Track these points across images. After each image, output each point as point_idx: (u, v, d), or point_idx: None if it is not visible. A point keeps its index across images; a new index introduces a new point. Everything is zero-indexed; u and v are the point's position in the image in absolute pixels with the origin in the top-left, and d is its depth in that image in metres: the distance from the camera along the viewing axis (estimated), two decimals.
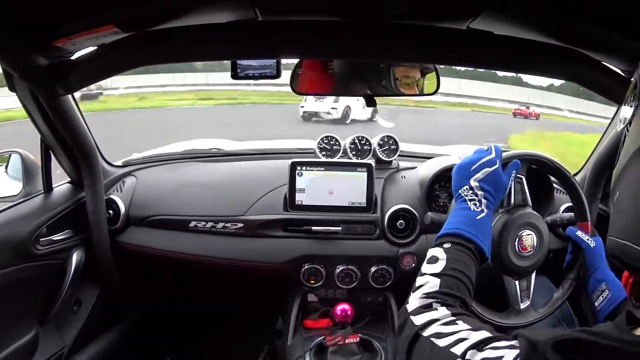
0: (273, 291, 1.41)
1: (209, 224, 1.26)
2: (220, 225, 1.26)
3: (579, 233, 1.00)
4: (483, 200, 0.78)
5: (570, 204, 1.20)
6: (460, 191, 0.80)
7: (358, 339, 1.16)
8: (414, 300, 0.67)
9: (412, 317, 0.64)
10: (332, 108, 10.77)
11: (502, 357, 0.51)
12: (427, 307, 0.64)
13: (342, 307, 1.16)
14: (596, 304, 0.93)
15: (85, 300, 1.31)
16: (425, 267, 0.71)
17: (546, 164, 0.99)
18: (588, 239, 0.98)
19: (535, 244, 0.94)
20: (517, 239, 0.92)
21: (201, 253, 1.27)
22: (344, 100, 10.89)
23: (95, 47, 0.84)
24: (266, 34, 0.79)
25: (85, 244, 1.25)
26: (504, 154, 0.88)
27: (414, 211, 1.26)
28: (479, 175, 0.80)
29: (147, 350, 1.55)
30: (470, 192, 0.79)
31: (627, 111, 0.53)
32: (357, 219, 1.26)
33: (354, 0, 0.73)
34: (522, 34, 0.77)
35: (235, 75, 1.03)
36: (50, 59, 0.84)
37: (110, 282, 1.34)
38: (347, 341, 1.15)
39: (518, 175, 0.97)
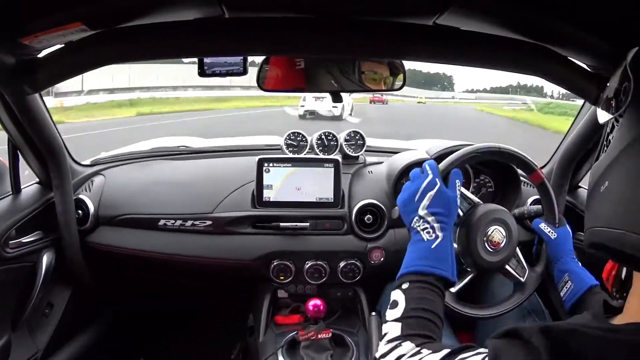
0: (243, 288, 1.41)
1: (178, 222, 1.26)
2: (189, 223, 1.26)
3: (542, 225, 1.01)
4: (435, 225, 0.77)
5: (537, 196, 1.22)
6: (412, 224, 0.79)
7: (330, 334, 1.16)
8: (382, 347, 0.68)
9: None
10: (333, 107, 11.41)
11: None
12: (393, 348, 0.66)
13: (314, 303, 1.17)
14: (561, 294, 0.95)
15: (57, 302, 1.30)
16: (388, 314, 0.72)
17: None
18: (550, 232, 1.00)
19: (504, 239, 0.95)
20: (486, 235, 0.93)
21: (171, 251, 1.27)
22: (345, 100, 11.69)
23: (63, 45, 0.83)
24: (232, 31, 0.79)
25: (56, 245, 1.24)
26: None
27: (382, 206, 1.28)
28: (424, 202, 0.79)
29: (121, 351, 1.54)
30: (421, 221, 0.77)
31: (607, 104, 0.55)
32: (325, 215, 1.27)
33: None
34: (489, 29, 0.78)
35: (202, 73, 1.04)
36: (16, 56, 0.83)
37: (81, 283, 1.33)
38: (319, 336, 1.15)
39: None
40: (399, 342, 0.66)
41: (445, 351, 0.58)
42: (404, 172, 1.30)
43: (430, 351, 0.61)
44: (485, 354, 0.53)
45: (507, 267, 0.98)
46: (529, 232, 1.21)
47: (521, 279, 0.99)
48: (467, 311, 0.95)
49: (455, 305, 0.93)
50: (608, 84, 0.59)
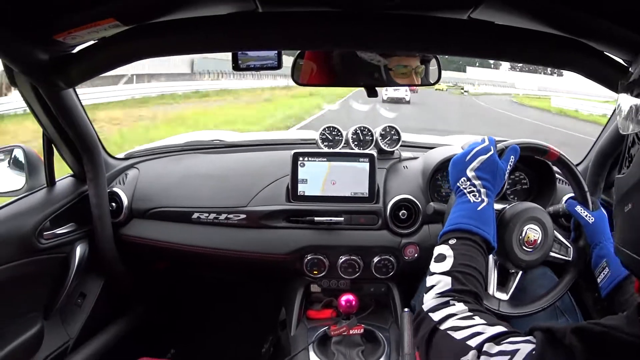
0: (276, 282, 1.41)
1: (212, 216, 1.26)
2: (223, 216, 1.26)
3: (578, 208, 0.99)
4: (482, 190, 0.78)
5: (572, 194, 1.21)
6: (458, 184, 0.80)
7: (362, 330, 1.17)
8: (429, 300, 0.67)
9: (430, 314, 0.65)
10: (405, 94, 17.84)
11: (518, 350, 0.51)
12: (444, 304, 0.65)
13: (347, 298, 1.17)
14: (598, 279, 0.93)
15: (89, 293, 1.32)
16: (434, 266, 0.71)
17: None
18: (587, 215, 0.97)
19: (540, 238, 0.93)
20: (522, 234, 0.92)
21: (204, 245, 1.27)
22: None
23: (96, 41, 0.84)
24: (266, 25, 0.79)
25: (89, 237, 1.25)
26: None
27: (416, 201, 1.26)
28: (474, 164, 0.80)
29: (152, 342, 1.56)
30: (468, 183, 0.79)
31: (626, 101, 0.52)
32: (360, 209, 1.26)
33: None
34: (523, 23, 0.77)
35: (236, 67, 1.03)
36: (50, 53, 0.84)
37: (114, 275, 1.34)
38: (351, 332, 1.16)
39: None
40: (450, 298, 0.66)
41: (499, 329, 0.57)
42: (439, 168, 1.28)
43: (484, 322, 0.60)
44: (533, 346, 0.52)
45: (552, 254, 0.97)
46: (562, 230, 1.20)
47: (568, 258, 0.98)
48: (496, 308, 0.94)
49: (504, 309, 0.92)
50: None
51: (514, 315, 0.95)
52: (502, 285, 0.98)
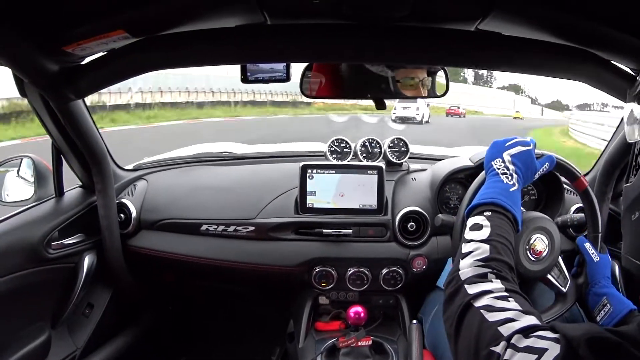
0: (284, 294, 1.41)
1: (220, 228, 1.26)
2: (232, 228, 1.26)
3: (587, 245, 1.00)
4: (514, 175, 0.80)
5: (581, 204, 1.20)
6: (492, 163, 0.82)
7: (371, 342, 1.16)
8: (467, 268, 0.66)
9: (466, 286, 0.64)
10: (416, 113, 15.77)
11: (546, 350, 0.50)
12: (481, 277, 0.64)
13: (355, 310, 1.16)
14: (597, 318, 0.93)
15: (97, 303, 1.32)
16: (470, 234, 0.72)
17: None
18: (593, 253, 0.98)
19: (547, 248, 0.93)
20: (529, 244, 0.92)
21: (212, 256, 1.27)
22: (422, 108, 15.70)
23: (105, 52, 0.84)
24: (275, 37, 0.79)
25: (97, 248, 1.25)
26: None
27: (425, 213, 1.26)
28: (512, 150, 0.82)
29: (159, 353, 1.56)
30: (503, 165, 0.81)
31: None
32: (368, 222, 1.26)
33: (361, 3, 0.73)
34: (531, 34, 0.77)
35: (245, 79, 1.03)
36: (60, 64, 0.84)
37: (122, 286, 1.34)
38: (359, 344, 1.15)
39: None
40: (489, 270, 0.64)
41: (531, 319, 0.56)
42: (448, 180, 1.28)
43: (519, 307, 0.58)
44: (559, 349, 0.50)
45: (549, 276, 0.97)
46: (571, 241, 1.19)
47: (563, 289, 0.98)
48: None
49: None
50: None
51: None
52: None
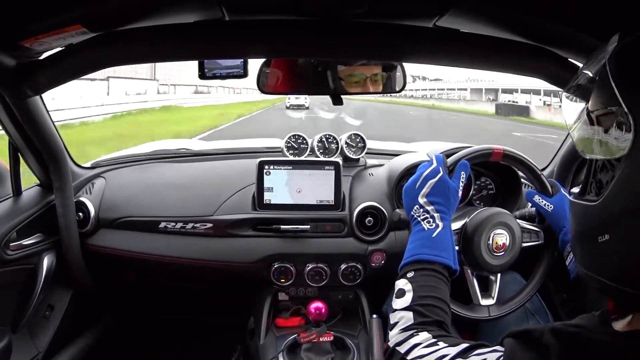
0: (244, 291, 1.40)
1: (179, 225, 1.26)
2: (190, 225, 1.26)
3: (536, 198, 1.00)
4: (435, 215, 0.78)
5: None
6: (412, 213, 0.80)
7: (332, 338, 1.16)
8: (394, 337, 0.68)
9: (397, 348, 0.66)
10: (305, 101, 20.50)
11: (485, 359, 0.53)
12: (408, 337, 0.66)
13: (316, 305, 1.17)
14: (567, 261, 0.95)
15: (57, 305, 1.30)
16: (395, 303, 0.72)
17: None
18: (545, 204, 0.99)
19: (508, 243, 0.95)
20: (490, 239, 0.94)
21: (171, 254, 1.27)
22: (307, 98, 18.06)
23: (63, 47, 0.84)
24: (233, 33, 0.80)
25: (56, 248, 1.24)
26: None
27: (382, 208, 1.27)
28: (425, 190, 0.80)
29: (121, 354, 1.54)
30: (421, 210, 0.79)
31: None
32: (326, 217, 1.27)
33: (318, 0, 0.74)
34: (489, 31, 0.78)
35: (202, 75, 1.03)
36: (17, 59, 0.84)
37: (82, 286, 1.33)
38: (321, 339, 1.15)
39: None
40: (414, 330, 0.66)
41: (463, 346, 0.59)
42: (405, 175, 1.30)
43: (447, 345, 0.61)
44: (501, 353, 0.53)
45: (523, 243, 0.98)
46: (529, 234, 1.21)
47: (540, 241, 1.01)
48: (464, 312, 0.95)
49: (452, 306, 0.93)
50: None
51: (506, 313, 0.98)
52: (485, 291, 1.00)
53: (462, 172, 0.86)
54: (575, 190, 0.58)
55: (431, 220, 0.77)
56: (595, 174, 0.52)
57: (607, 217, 0.48)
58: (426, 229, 0.77)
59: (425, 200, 0.79)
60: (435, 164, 0.83)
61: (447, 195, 0.80)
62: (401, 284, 0.73)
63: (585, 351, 0.48)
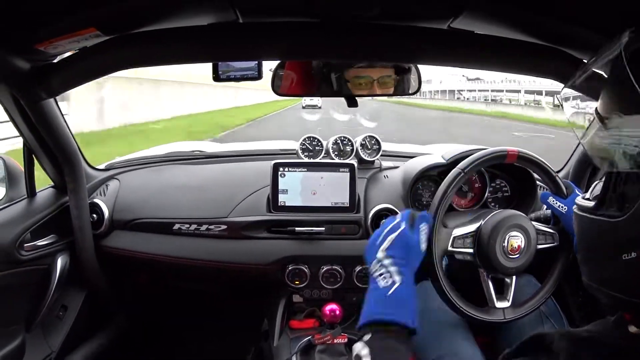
0: (258, 292, 1.40)
1: (193, 227, 1.26)
2: (204, 227, 1.26)
3: (550, 199, 0.99)
4: (392, 269, 0.74)
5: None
6: (369, 269, 0.77)
7: (346, 340, 1.16)
8: None
9: None
10: (318, 102, 21.00)
11: None
12: None
13: (331, 307, 1.17)
14: None
15: (71, 305, 1.31)
16: None
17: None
18: (559, 205, 0.98)
19: (523, 245, 0.94)
20: (505, 241, 0.93)
21: (185, 255, 1.27)
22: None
23: (77, 50, 0.84)
24: (247, 35, 0.79)
25: (70, 249, 1.25)
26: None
27: (397, 210, 1.26)
28: (385, 244, 0.77)
29: (134, 354, 1.55)
30: (378, 265, 0.75)
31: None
32: (341, 219, 1.27)
33: (332, 1, 0.73)
34: (504, 33, 0.78)
35: (216, 78, 1.03)
36: (31, 62, 0.84)
37: (95, 287, 1.33)
38: (335, 341, 1.15)
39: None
40: None
41: None
42: (420, 177, 1.29)
43: None
44: None
45: (539, 245, 0.97)
46: (544, 237, 1.20)
47: (555, 243, 1.00)
48: (478, 315, 0.94)
49: (465, 307, 0.93)
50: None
51: (521, 316, 0.97)
52: (500, 293, 0.99)
53: (423, 224, 0.83)
54: (583, 202, 0.56)
55: (387, 276, 0.73)
56: (616, 187, 0.49)
57: (634, 237, 0.46)
58: (381, 286, 0.73)
59: (384, 254, 0.76)
60: (398, 219, 0.80)
61: (407, 249, 0.77)
62: (358, 348, 0.68)
63: (595, 352, 0.48)
